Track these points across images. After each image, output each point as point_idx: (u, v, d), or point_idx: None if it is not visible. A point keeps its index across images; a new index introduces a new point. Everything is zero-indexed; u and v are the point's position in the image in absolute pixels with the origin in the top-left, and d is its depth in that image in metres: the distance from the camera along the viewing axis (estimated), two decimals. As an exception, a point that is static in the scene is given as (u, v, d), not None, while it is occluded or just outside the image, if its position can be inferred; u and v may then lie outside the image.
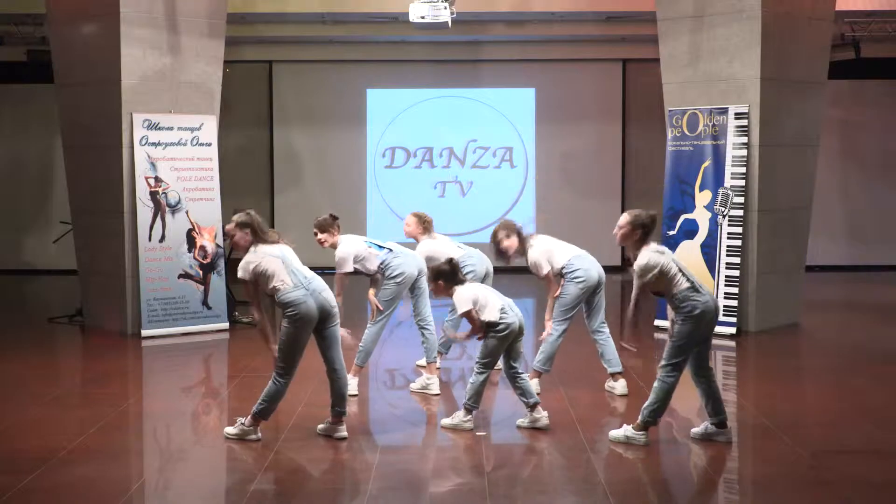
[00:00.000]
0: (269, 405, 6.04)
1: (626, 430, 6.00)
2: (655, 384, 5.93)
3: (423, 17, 9.69)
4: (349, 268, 7.13)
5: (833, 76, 11.04)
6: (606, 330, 7.27)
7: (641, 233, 5.91)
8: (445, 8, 9.67)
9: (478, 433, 6.22)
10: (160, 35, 9.58)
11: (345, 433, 6.12)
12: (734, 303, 9.40)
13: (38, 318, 10.69)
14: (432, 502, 5.20)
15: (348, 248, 7.16)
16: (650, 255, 5.84)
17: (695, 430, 6.10)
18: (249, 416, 6.08)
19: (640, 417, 5.97)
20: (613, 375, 7.25)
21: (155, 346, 9.10)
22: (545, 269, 7.10)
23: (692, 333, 5.84)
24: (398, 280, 7.14)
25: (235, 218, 6.11)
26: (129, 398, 7.39)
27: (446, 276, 6.24)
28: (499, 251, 7.22)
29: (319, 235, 7.22)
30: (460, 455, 5.91)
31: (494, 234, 7.24)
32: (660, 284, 5.83)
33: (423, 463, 5.84)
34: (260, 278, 5.94)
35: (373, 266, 7.19)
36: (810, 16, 9.70)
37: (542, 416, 6.31)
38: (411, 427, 6.61)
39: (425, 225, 7.73)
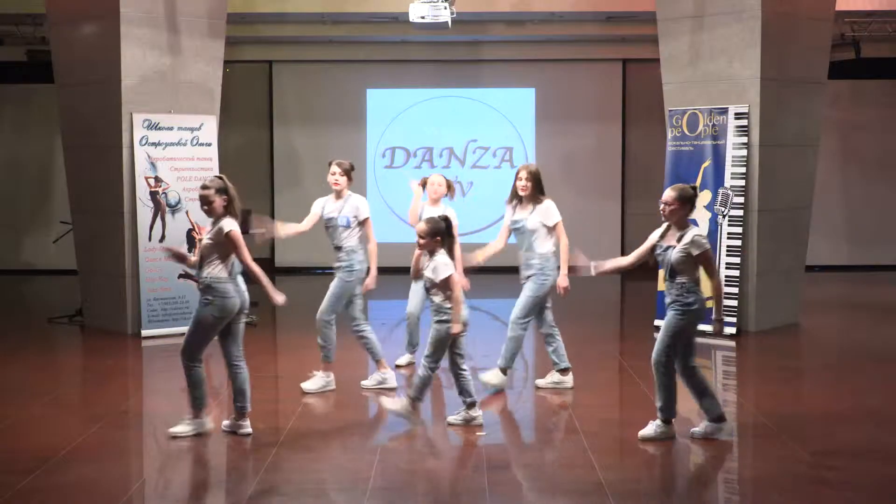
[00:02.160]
0: (202, 390, 6.18)
1: (657, 425, 6.03)
2: (660, 385, 5.99)
3: (423, 17, 9.69)
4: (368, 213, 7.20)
5: (833, 76, 11.04)
6: (557, 328, 7.37)
7: (689, 207, 5.99)
8: (445, 8, 9.67)
9: (478, 433, 6.22)
10: (160, 35, 9.58)
11: (249, 429, 6.17)
12: (734, 303, 9.40)
13: (38, 318, 10.69)
14: (432, 502, 5.20)
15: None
16: (702, 235, 5.96)
17: (695, 429, 6.10)
18: (236, 412, 6.21)
19: (662, 416, 6.04)
20: (563, 371, 7.33)
21: (155, 346, 9.09)
22: (552, 222, 7.18)
23: (688, 328, 5.93)
24: (355, 276, 7.17)
25: (211, 183, 6.04)
26: (129, 398, 7.39)
27: (443, 232, 6.26)
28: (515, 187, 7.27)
29: (338, 176, 7.18)
30: (460, 455, 5.91)
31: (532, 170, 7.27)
32: (694, 265, 5.89)
33: (423, 463, 5.84)
34: (220, 246, 5.96)
35: (344, 241, 7.15)
36: (810, 16, 9.69)
37: (479, 414, 6.35)
38: (411, 427, 6.60)
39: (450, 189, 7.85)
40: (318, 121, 14.72)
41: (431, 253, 6.24)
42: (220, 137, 10.20)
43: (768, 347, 9.11)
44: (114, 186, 9.54)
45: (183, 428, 6.15)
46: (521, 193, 7.23)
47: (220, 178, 6.11)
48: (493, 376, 7.27)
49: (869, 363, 8.48)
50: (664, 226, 6.05)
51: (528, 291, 7.18)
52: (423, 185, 7.82)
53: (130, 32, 9.40)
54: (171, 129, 9.63)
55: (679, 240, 5.91)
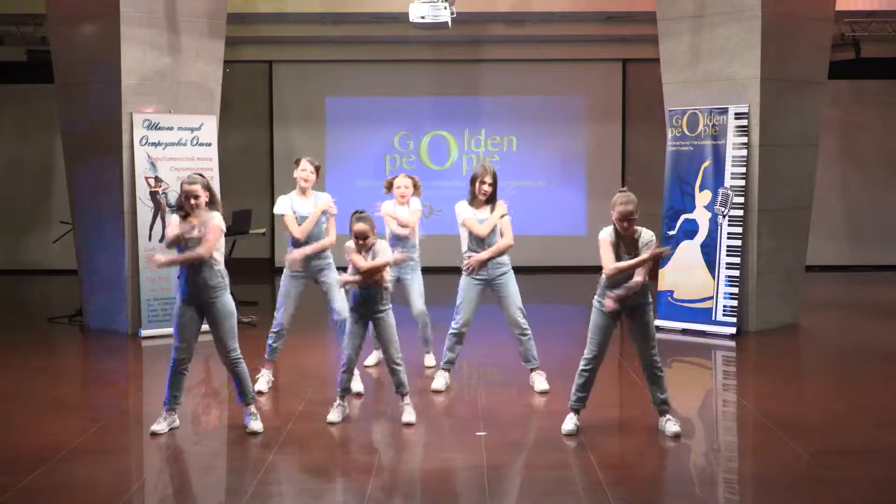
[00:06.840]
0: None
1: (670, 422, 6.08)
2: (661, 375, 6.07)
3: (423, 17, 9.69)
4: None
5: (833, 76, 11.03)
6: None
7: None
8: (445, 8, 9.66)
9: (478, 433, 6.22)
10: (160, 35, 9.58)
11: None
12: (734, 303, 9.41)
13: (38, 318, 10.69)
14: (432, 502, 5.20)
15: None
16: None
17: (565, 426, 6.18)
18: (251, 405, 6.32)
19: (665, 407, 6.13)
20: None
21: (155, 346, 9.09)
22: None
23: None
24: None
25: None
26: (129, 398, 7.39)
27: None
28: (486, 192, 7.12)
29: (312, 173, 7.54)
30: (460, 455, 5.91)
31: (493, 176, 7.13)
32: None
33: (423, 463, 5.84)
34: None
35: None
36: (810, 16, 9.70)
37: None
38: (411, 427, 6.60)
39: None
40: (318, 121, 14.71)
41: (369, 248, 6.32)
42: (220, 137, 10.20)
43: (768, 347, 9.12)
44: (114, 186, 9.55)
45: (259, 423, 6.27)
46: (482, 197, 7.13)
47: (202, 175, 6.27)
48: (542, 382, 7.32)
49: (869, 363, 8.48)
50: (612, 238, 6.09)
51: (514, 287, 7.19)
52: (389, 186, 7.77)
53: (130, 32, 9.40)
54: (171, 129, 9.63)
55: (640, 241, 6.04)
